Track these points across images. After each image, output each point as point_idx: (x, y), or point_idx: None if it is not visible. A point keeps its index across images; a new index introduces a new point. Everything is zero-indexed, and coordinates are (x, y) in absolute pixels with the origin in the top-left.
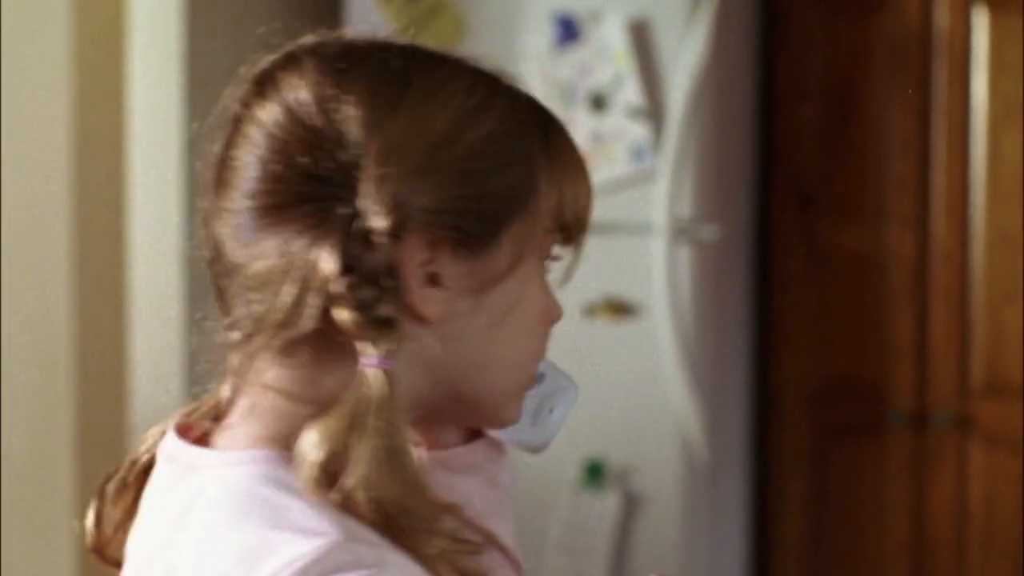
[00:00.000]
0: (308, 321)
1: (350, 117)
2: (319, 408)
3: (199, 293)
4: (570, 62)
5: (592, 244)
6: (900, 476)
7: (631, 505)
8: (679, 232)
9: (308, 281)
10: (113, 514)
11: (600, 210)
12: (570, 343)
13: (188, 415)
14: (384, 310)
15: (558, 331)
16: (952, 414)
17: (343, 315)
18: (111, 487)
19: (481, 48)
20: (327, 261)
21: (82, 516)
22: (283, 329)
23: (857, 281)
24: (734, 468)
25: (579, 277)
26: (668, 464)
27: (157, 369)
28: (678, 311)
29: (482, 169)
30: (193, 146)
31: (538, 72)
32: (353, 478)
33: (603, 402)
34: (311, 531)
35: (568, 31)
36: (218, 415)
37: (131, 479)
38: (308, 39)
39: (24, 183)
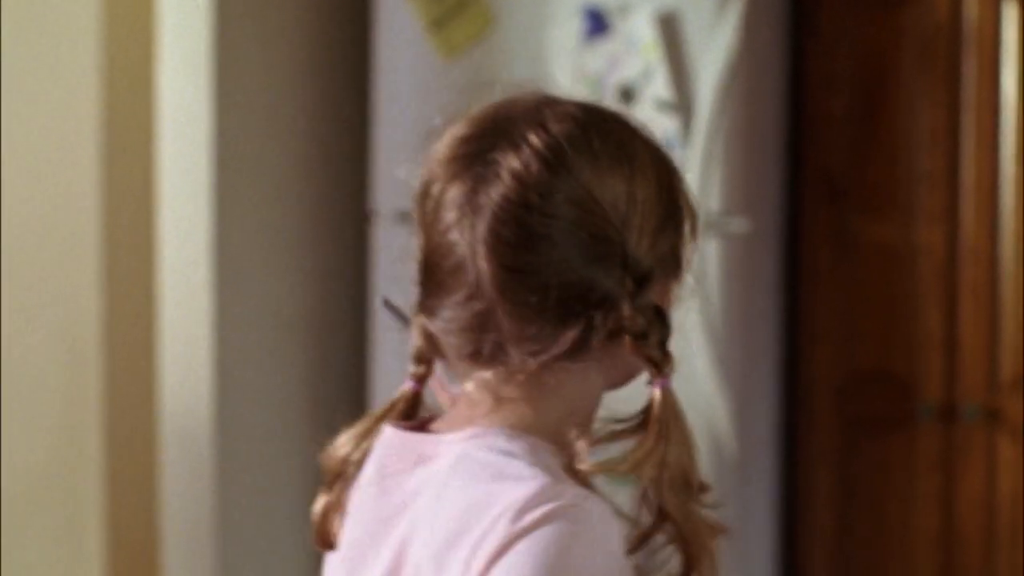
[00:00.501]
0: (593, 345)
1: (618, 192)
2: (537, 402)
3: (227, 287)
4: (599, 55)
5: None
6: (929, 470)
7: None
8: (708, 225)
9: (606, 315)
10: (335, 504)
11: None
12: None
13: (385, 415)
14: (664, 340)
15: None
16: (981, 407)
17: (643, 345)
18: (332, 481)
19: (509, 41)
20: (627, 304)
21: (111, 512)
22: (571, 348)
23: (886, 275)
24: (763, 462)
25: None
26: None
27: (186, 363)
28: (707, 305)
29: (679, 218)
30: (221, 140)
31: (567, 65)
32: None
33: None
34: (526, 478)
35: (597, 24)
36: (409, 412)
37: (349, 473)
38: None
39: (54, 177)
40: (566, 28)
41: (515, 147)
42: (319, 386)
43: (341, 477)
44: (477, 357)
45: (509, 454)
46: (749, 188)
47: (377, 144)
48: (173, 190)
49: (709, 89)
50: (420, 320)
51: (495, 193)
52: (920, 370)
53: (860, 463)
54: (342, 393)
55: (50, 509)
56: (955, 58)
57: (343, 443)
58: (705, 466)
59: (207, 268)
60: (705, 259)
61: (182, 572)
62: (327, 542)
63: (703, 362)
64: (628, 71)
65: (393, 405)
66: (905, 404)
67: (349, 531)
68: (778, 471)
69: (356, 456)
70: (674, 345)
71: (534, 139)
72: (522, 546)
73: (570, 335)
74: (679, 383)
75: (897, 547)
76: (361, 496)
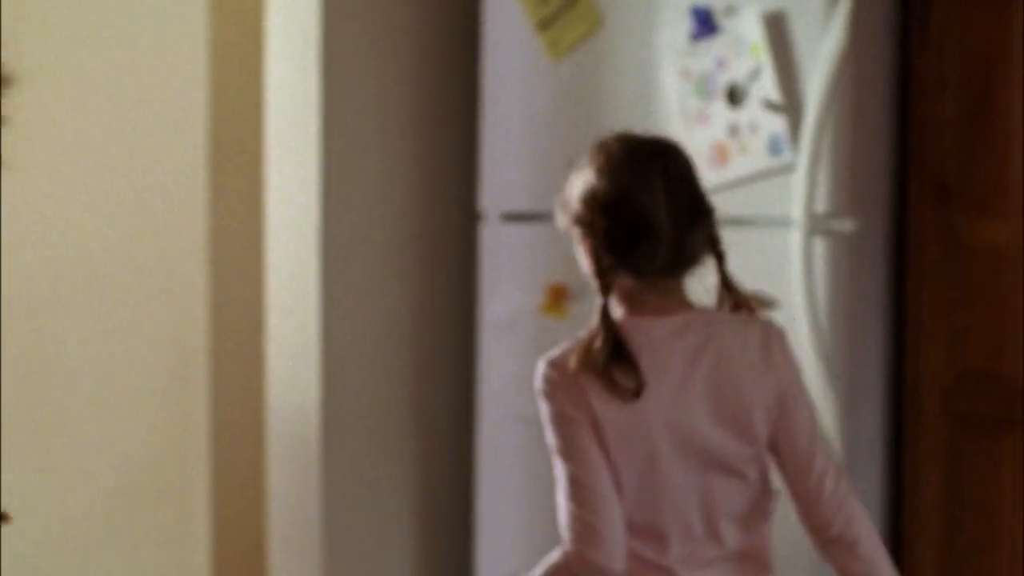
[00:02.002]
0: None
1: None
2: None
3: (334, 287)
4: (706, 56)
5: (728, 237)
6: None
7: None
8: (815, 226)
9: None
10: None
11: (736, 204)
12: None
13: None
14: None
15: None
16: None
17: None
18: None
19: (617, 40)
20: None
21: (218, 510)
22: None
23: (995, 274)
24: (869, 463)
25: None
26: None
27: (293, 362)
28: (814, 305)
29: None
30: (329, 142)
31: (675, 65)
32: None
33: None
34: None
35: (704, 24)
36: None
37: None
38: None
39: (162, 179)
40: (674, 28)
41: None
42: (425, 385)
43: None
44: None
45: None
46: (856, 188)
47: (484, 145)
48: (281, 191)
49: (817, 89)
50: None
51: None
52: None
53: (969, 465)
54: (448, 392)
55: (158, 507)
56: None
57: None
58: None
59: (315, 269)
60: (813, 259)
61: (288, 569)
62: None
63: (810, 362)
64: (735, 72)
65: None
66: (1014, 405)
67: None
68: (885, 472)
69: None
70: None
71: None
72: None
73: None
74: None
75: (1006, 550)
76: None
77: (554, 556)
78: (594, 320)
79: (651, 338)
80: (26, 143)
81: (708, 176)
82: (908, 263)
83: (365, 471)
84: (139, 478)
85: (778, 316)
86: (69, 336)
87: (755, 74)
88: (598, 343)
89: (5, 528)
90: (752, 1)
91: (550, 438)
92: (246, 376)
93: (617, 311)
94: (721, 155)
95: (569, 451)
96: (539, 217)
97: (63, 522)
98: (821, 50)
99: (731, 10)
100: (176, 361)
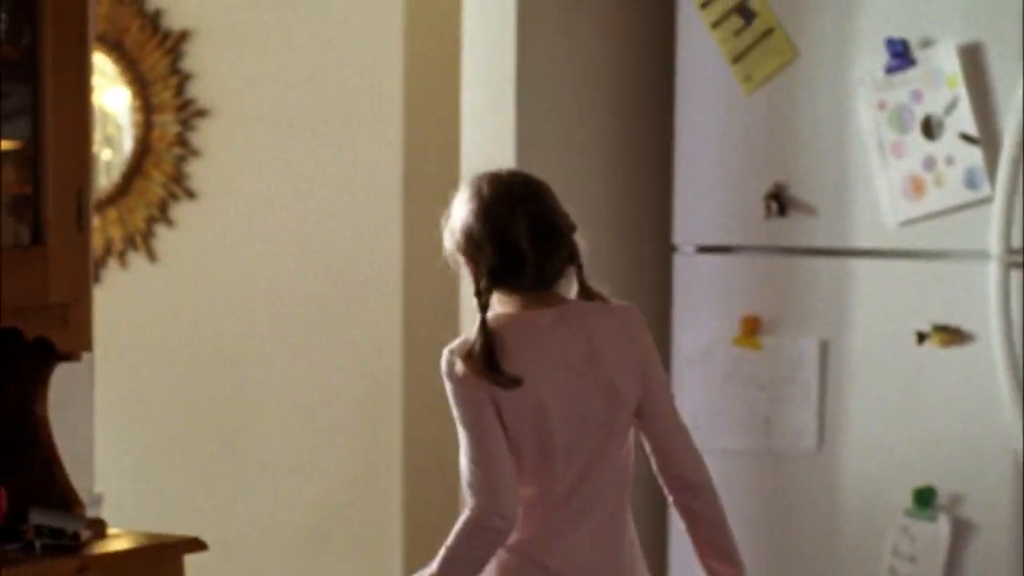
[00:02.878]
0: None
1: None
2: None
3: None
4: (902, 88)
5: (923, 270)
6: None
7: (962, 532)
8: (1013, 259)
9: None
10: None
11: (932, 237)
12: (901, 369)
13: None
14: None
15: (889, 356)
16: None
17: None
18: None
19: (811, 72)
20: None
21: (410, 544)
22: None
23: None
24: None
25: (910, 303)
26: (1000, 491)
27: None
28: (1011, 337)
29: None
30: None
31: (870, 97)
32: None
33: (933, 428)
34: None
35: (900, 56)
36: None
37: None
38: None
39: (354, 207)
40: (869, 59)
41: None
42: None
43: None
44: None
45: None
46: None
47: (678, 178)
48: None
49: (1014, 121)
50: None
51: None
52: None
53: None
54: None
55: (350, 548)
56: None
57: None
58: (1007, 497)
59: None
60: (1009, 292)
61: None
62: None
63: (1005, 391)
64: (931, 104)
65: None
66: None
67: None
68: None
69: None
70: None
71: None
72: None
73: None
74: (981, 411)
75: None
76: None
77: (463, 515)
78: (474, 330)
79: (535, 327)
80: (219, 174)
81: (903, 208)
82: None
83: None
84: (332, 519)
85: (974, 349)
86: (261, 368)
87: (951, 106)
88: (476, 349)
89: (199, 559)
90: (948, 32)
91: (455, 412)
92: (438, 410)
93: (509, 311)
94: (917, 188)
95: (472, 423)
96: (732, 249)
97: (257, 560)
98: (1019, 81)
99: (927, 42)
100: (369, 401)
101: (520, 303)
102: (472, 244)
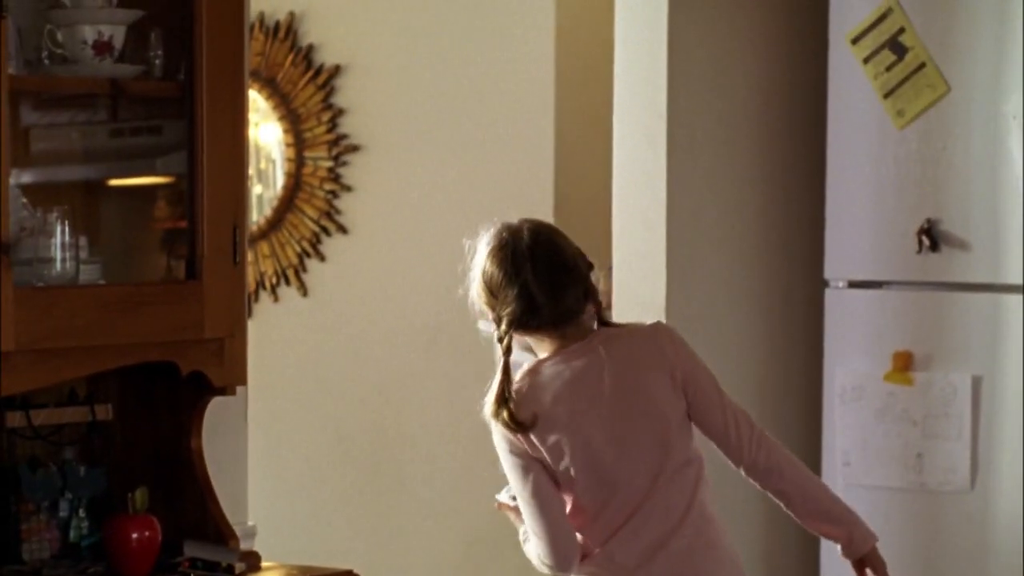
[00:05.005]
0: None
1: None
2: None
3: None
4: None
5: None
6: None
7: None
8: None
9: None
10: None
11: None
12: None
13: None
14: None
15: None
16: None
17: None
18: None
19: (963, 107)
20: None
21: None
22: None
23: None
24: None
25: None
26: None
27: None
28: None
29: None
30: (677, 212)
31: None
32: None
33: None
34: None
35: None
36: None
37: None
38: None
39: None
40: (1021, 94)
41: None
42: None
43: None
44: None
45: None
46: None
47: (830, 213)
48: (628, 263)
49: None
50: None
51: None
52: None
53: None
54: (795, 453)
55: (502, 574)
56: None
57: None
58: None
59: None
60: None
61: None
62: None
63: None
64: None
65: None
66: None
67: None
68: None
69: None
70: None
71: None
72: None
73: None
74: None
75: None
76: None
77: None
78: (497, 375)
79: (567, 366)
80: (370, 209)
81: None
82: None
83: None
84: (485, 552)
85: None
86: (411, 401)
87: None
88: (499, 392)
89: None
90: None
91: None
92: None
93: (537, 353)
94: None
95: (522, 481)
96: (884, 284)
97: None
98: None
99: None
100: None
101: (546, 343)
102: (489, 292)
